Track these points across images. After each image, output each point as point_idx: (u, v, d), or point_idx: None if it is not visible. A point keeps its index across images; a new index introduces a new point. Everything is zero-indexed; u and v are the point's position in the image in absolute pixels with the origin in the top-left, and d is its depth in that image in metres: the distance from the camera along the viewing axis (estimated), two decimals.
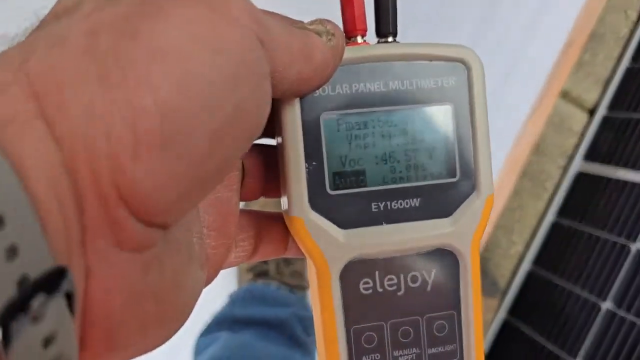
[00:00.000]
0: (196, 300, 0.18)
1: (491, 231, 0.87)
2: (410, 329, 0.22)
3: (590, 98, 0.88)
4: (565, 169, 0.88)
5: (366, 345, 0.22)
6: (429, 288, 0.22)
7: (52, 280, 0.11)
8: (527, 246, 0.87)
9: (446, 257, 0.23)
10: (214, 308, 0.76)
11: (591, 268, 0.77)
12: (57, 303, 0.12)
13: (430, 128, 0.22)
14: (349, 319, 0.22)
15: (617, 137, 0.83)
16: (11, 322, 0.11)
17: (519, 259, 0.87)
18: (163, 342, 0.17)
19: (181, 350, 0.78)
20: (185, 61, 0.13)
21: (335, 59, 0.19)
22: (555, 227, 0.86)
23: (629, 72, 0.86)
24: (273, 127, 0.22)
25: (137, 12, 0.13)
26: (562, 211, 0.86)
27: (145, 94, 0.12)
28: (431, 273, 0.22)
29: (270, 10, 0.21)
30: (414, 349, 0.22)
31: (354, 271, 0.22)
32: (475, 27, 0.86)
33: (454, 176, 0.22)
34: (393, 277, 0.22)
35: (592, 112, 0.88)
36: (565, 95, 0.88)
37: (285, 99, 0.20)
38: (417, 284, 0.22)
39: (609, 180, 0.81)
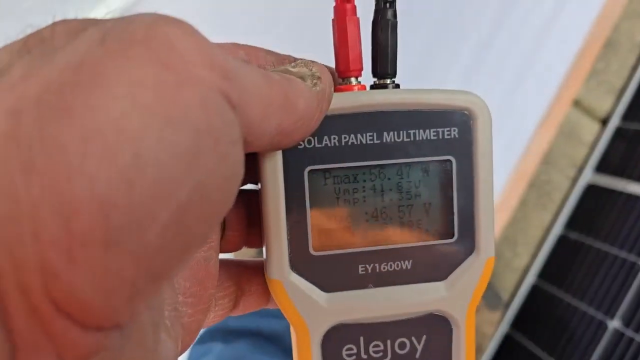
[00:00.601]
0: None
1: (495, 242, 0.85)
2: None
3: (602, 108, 0.86)
4: (574, 180, 0.85)
5: None
6: (417, 355, 0.21)
7: None
8: (532, 259, 0.85)
9: (439, 323, 0.21)
10: None
11: (599, 284, 0.75)
12: None
13: (427, 183, 0.20)
14: None
15: (630, 149, 0.81)
16: None
17: (523, 272, 0.85)
18: None
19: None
20: (128, 142, 0.11)
21: (321, 107, 0.17)
22: (562, 240, 0.83)
23: None
24: (258, 181, 0.20)
25: (71, 81, 0.11)
26: (570, 224, 0.84)
27: (79, 185, 0.10)
28: (421, 339, 0.21)
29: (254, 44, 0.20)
30: None
31: (337, 337, 0.20)
32: (487, 32, 0.83)
33: (452, 236, 0.20)
34: (379, 343, 0.20)
35: (604, 122, 0.86)
36: (577, 104, 0.86)
37: (264, 153, 0.18)
38: (405, 351, 0.21)
39: (619, 193, 0.79)
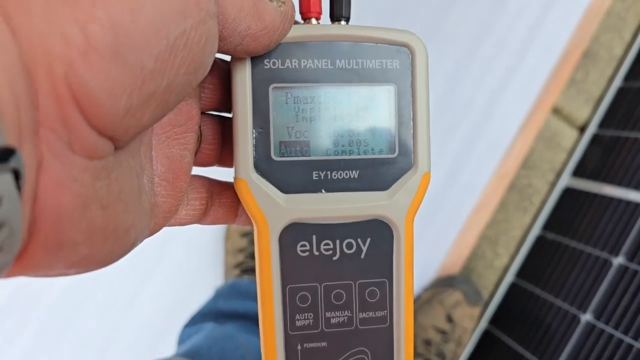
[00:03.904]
0: (139, 234, 0.20)
1: (476, 242, 0.88)
2: (343, 292, 0.24)
3: (581, 115, 0.90)
4: (553, 184, 0.89)
5: (300, 305, 0.23)
6: (363, 255, 0.24)
7: (1, 155, 0.13)
8: (512, 258, 0.88)
9: (381, 227, 0.24)
10: (200, 302, 0.78)
11: (573, 281, 0.78)
12: (5, 175, 0.13)
13: (372, 106, 0.24)
14: (285, 278, 0.23)
15: (606, 154, 0.84)
16: None
17: (503, 271, 0.88)
18: (106, 261, 0.18)
19: (166, 340, 0.79)
20: None
21: (284, 24, 0.21)
22: (540, 241, 0.86)
23: (620, 91, 0.88)
24: (231, 98, 0.23)
25: None
26: (548, 225, 0.87)
27: (99, 8, 0.14)
28: (366, 241, 0.24)
29: None
30: (345, 311, 0.24)
31: (293, 234, 0.23)
32: (470, 40, 0.88)
33: (393, 152, 0.24)
34: (329, 242, 0.24)
35: (582, 129, 0.90)
36: (556, 111, 0.90)
37: (237, 56, 0.22)
38: (352, 251, 0.24)
39: (595, 196, 0.82)
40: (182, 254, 0.87)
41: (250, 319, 0.71)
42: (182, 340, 0.72)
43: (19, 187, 0.14)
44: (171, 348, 0.77)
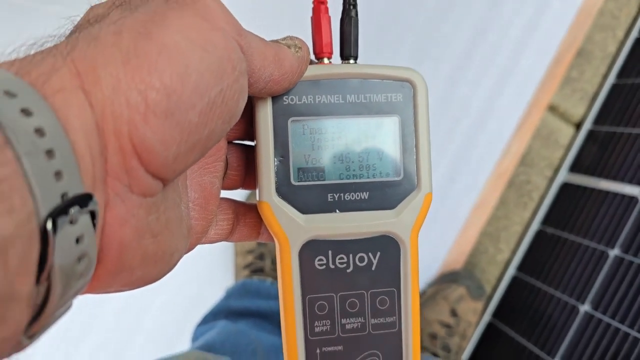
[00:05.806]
0: (180, 255, 0.23)
1: (478, 238, 0.91)
2: (357, 301, 0.27)
3: (576, 113, 0.92)
4: (551, 180, 0.91)
5: (319, 313, 0.26)
6: (373, 267, 0.27)
7: (83, 200, 0.16)
8: (513, 253, 0.91)
9: (389, 242, 0.27)
10: (212, 302, 0.81)
11: (572, 273, 0.81)
12: (86, 216, 0.16)
13: (379, 135, 0.27)
14: (305, 290, 0.26)
15: (601, 150, 0.87)
16: (57, 219, 0.15)
17: (504, 265, 0.91)
18: (154, 280, 0.22)
19: (181, 339, 0.82)
20: (182, 56, 0.18)
21: (301, 67, 0.24)
22: (539, 235, 0.89)
23: (614, 88, 0.90)
24: (253, 130, 0.26)
25: (149, 20, 0.18)
26: (547, 219, 0.90)
27: (154, 77, 0.17)
28: (376, 255, 0.27)
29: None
30: (359, 318, 0.27)
31: (311, 249, 0.26)
32: (466, 41, 0.90)
33: (399, 176, 0.27)
34: (343, 256, 0.26)
35: (578, 126, 0.92)
36: (553, 109, 0.92)
37: (260, 97, 0.25)
38: (364, 264, 0.27)
39: (592, 190, 0.85)
40: (194, 257, 0.89)
41: (260, 317, 0.74)
42: (195, 338, 0.75)
43: (94, 225, 0.17)
44: (185, 348, 0.80)
